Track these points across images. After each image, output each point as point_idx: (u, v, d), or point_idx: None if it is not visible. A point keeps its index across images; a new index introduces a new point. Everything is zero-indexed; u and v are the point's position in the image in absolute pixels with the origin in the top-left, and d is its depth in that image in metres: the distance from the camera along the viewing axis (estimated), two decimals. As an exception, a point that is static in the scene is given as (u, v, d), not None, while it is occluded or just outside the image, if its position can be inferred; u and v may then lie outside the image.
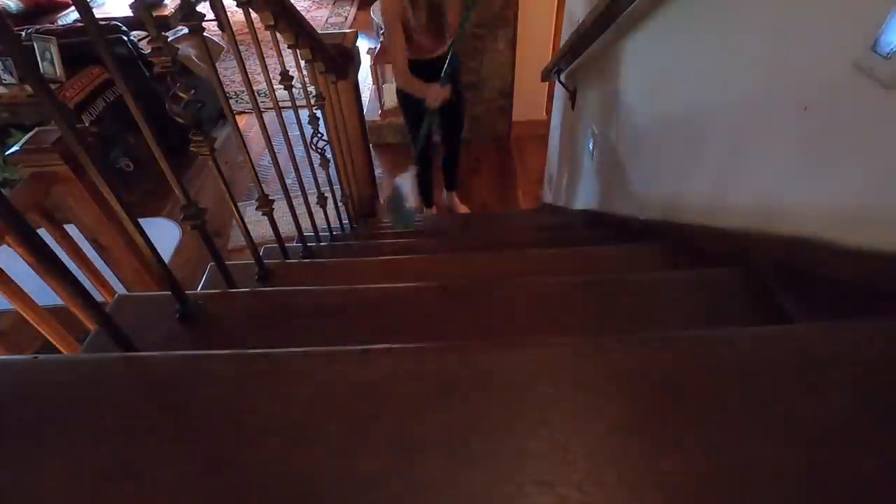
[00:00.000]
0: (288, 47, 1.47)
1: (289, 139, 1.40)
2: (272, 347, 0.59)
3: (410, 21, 1.98)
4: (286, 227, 1.37)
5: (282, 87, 1.37)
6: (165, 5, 4.63)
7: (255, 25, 1.19)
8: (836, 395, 0.49)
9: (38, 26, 2.92)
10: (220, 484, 0.46)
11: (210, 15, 0.97)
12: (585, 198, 2.17)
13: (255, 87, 1.13)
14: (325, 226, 1.84)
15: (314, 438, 0.49)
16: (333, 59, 1.82)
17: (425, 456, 0.47)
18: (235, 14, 1.20)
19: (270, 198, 1.16)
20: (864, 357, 0.53)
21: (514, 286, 0.94)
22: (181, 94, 0.79)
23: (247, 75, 1.08)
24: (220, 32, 4.42)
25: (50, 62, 2.72)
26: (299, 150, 1.50)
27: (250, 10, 1.12)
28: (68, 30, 2.89)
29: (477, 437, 0.48)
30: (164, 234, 2.75)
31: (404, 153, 3.65)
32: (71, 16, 4.33)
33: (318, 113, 1.70)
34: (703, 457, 0.45)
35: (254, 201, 1.17)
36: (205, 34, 0.92)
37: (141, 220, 0.71)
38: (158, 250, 0.75)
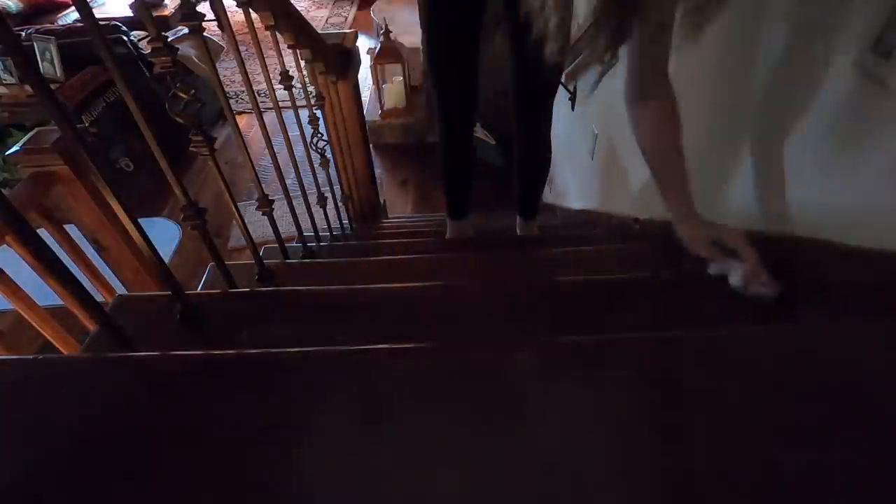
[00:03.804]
0: (288, 47, 1.47)
1: (289, 139, 1.40)
2: (272, 348, 0.59)
3: None
4: (286, 227, 1.37)
5: (282, 87, 1.37)
6: (165, 5, 4.63)
7: (255, 25, 1.19)
8: (835, 395, 0.49)
9: (38, 26, 2.92)
10: (220, 484, 0.46)
11: (210, 15, 0.97)
12: (586, 198, 2.17)
13: (255, 87, 1.13)
14: (325, 226, 1.84)
15: (314, 439, 0.49)
16: (333, 59, 1.82)
17: (425, 456, 0.47)
18: (235, 14, 1.20)
19: (270, 198, 1.16)
20: (864, 357, 0.53)
21: (515, 286, 0.94)
22: (181, 94, 0.79)
23: (247, 75, 1.08)
24: (220, 32, 4.42)
25: (50, 62, 2.71)
26: (299, 150, 1.50)
27: (250, 10, 1.12)
28: (68, 30, 2.89)
29: (477, 437, 0.48)
30: (164, 234, 2.75)
31: (405, 153, 3.65)
32: (71, 16, 4.33)
33: (318, 113, 1.70)
34: (703, 457, 0.45)
35: (254, 201, 1.17)
36: (205, 34, 0.92)
37: (141, 220, 0.71)
38: (158, 250, 0.75)
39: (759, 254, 0.77)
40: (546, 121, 1.49)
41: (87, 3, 0.59)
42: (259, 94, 4.03)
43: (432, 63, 1.40)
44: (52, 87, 0.79)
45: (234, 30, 1.03)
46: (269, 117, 1.24)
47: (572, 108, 2.37)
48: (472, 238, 1.80)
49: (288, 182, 1.37)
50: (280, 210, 1.42)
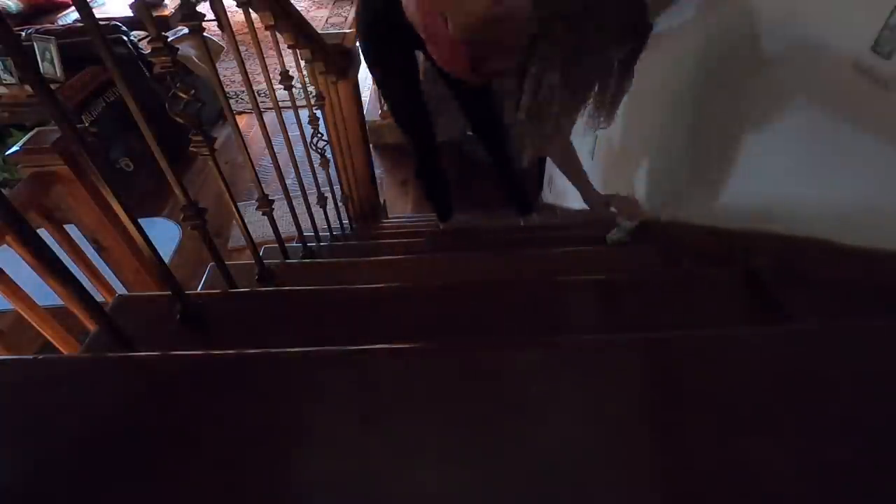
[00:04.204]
0: (288, 47, 1.47)
1: (289, 139, 1.40)
2: (272, 348, 0.59)
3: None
4: (286, 227, 1.37)
5: (282, 87, 1.37)
6: (165, 5, 4.63)
7: (255, 25, 1.19)
8: (836, 395, 0.49)
9: (38, 26, 2.92)
10: (220, 484, 0.46)
11: (210, 15, 0.97)
12: (585, 198, 2.16)
13: (255, 87, 1.13)
14: (325, 226, 1.84)
15: (314, 439, 0.49)
16: (333, 59, 1.82)
17: (425, 456, 0.47)
18: (235, 14, 1.20)
19: (270, 198, 1.16)
20: (864, 357, 0.53)
21: (515, 286, 0.94)
22: (181, 94, 0.79)
23: (247, 75, 1.08)
24: (220, 32, 4.41)
25: (50, 62, 2.71)
26: (299, 150, 1.50)
27: (250, 10, 1.12)
28: (68, 30, 2.88)
29: (477, 437, 0.48)
30: (164, 234, 2.75)
31: (405, 153, 3.65)
32: (71, 16, 4.33)
33: (318, 113, 1.70)
34: (703, 456, 0.45)
35: (254, 201, 1.17)
36: (205, 34, 0.92)
37: (141, 220, 0.71)
38: (158, 250, 0.75)
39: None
40: (505, 134, 1.71)
41: (87, 3, 0.59)
42: (259, 94, 4.03)
43: (390, 109, 1.67)
44: (52, 87, 0.79)
45: (234, 30, 1.03)
46: (269, 117, 1.24)
47: (572, 108, 2.36)
48: (474, 238, 1.88)
49: (288, 182, 1.37)
50: (280, 210, 1.42)
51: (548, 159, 3.12)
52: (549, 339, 0.62)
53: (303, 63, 1.63)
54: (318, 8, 5.93)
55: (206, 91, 1.15)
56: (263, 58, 1.22)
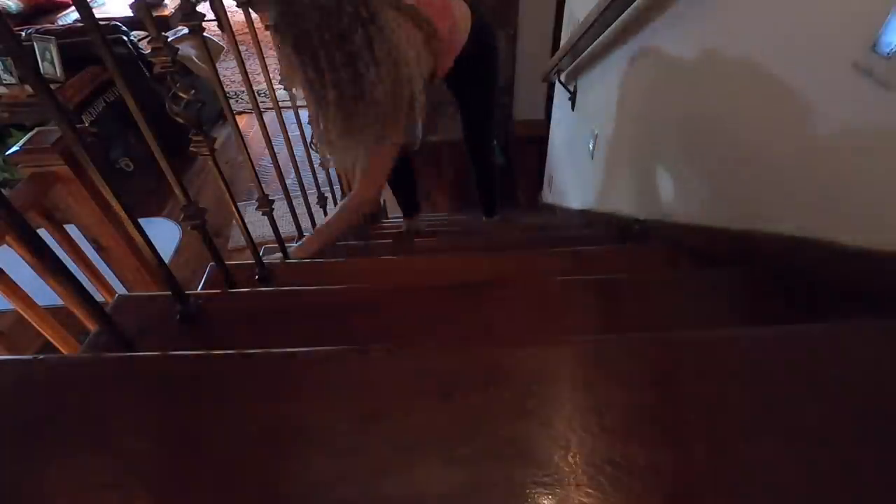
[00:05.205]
0: (288, 47, 1.46)
1: (289, 139, 1.40)
2: (272, 347, 0.59)
3: None
4: (286, 227, 1.37)
5: (282, 87, 1.37)
6: (165, 5, 4.63)
7: (255, 25, 1.19)
8: (836, 395, 0.49)
9: (38, 26, 2.92)
10: (220, 484, 0.46)
11: (210, 15, 0.97)
12: (585, 198, 2.16)
13: (255, 87, 1.13)
14: (325, 226, 1.83)
15: (314, 439, 0.49)
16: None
17: (425, 456, 0.47)
18: (235, 14, 1.20)
19: (270, 198, 1.16)
20: (864, 357, 0.53)
21: (514, 286, 0.94)
22: (181, 94, 0.79)
23: (247, 75, 1.08)
24: (220, 32, 4.42)
25: (50, 62, 2.71)
26: (299, 150, 1.50)
27: (250, 10, 1.13)
28: (68, 30, 2.89)
29: (477, 437, 0.48)
30: (164, 234, 2.75)
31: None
32: (71, 16, 4.33)
33: (318, 113, 1.70)
34: (703, 457, 0.45)
35: (254, 201, 1.17)
36: (205, 34, 0.92)
37: (141, 220, 0.71)
38: (158, 250, 0.75)
39: None
40: (489, 148, 2.05)
41: (87, 3, 0.59)
42: (259, 94, 4.03)
43: None
44: (52, 87, 0.79)
45: (234, 30, 1.03)
46: (269, 117, 1.24)
47: (572, 108, 2.37)
48: (475, 238, 1.91)
49: (288, 182, 1.37)
50: (280, 210, 1.42)
51: (548, 159, 3.13)
52: (549, 339, 0.62)
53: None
54: (318, 8, 5.92)
55: (206, 91, 1.15)
56: (263, 58, 1.22)
